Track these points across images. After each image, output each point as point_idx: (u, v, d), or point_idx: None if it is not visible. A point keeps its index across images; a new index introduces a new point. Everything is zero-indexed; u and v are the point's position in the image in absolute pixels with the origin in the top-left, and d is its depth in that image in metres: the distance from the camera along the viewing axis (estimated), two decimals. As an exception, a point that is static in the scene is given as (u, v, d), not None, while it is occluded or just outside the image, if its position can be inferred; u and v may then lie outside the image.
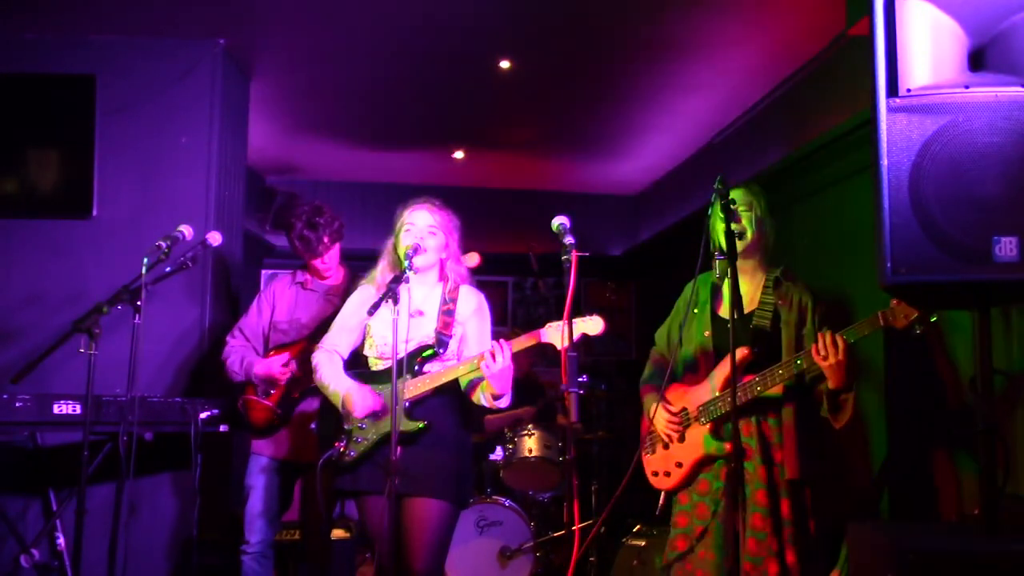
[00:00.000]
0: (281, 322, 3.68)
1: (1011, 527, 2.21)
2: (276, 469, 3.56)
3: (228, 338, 3.72)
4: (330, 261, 3.66)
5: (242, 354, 3.63)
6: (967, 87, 2.04)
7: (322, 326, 3.50)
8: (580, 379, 2.47)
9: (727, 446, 2.78)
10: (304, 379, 3.51)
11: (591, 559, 4.47)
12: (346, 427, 2.93)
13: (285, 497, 3.62)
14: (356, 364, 3.09)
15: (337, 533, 4.01)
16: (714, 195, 2.64)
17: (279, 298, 3.72)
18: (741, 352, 2.75)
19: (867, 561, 2.18)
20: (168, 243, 3.33)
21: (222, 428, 3.57)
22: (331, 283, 3.72)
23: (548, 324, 2.77)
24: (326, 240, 3.58)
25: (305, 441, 3.52)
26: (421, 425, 2.83)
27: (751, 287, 2.92)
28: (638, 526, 4.17)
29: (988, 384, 2.12)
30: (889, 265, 2.02)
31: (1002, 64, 2.04)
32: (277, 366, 3.51)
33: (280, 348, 3.62)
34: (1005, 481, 2.57)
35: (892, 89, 2.07)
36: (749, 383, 2.74)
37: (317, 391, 3.42)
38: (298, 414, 3.56)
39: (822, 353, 2.59)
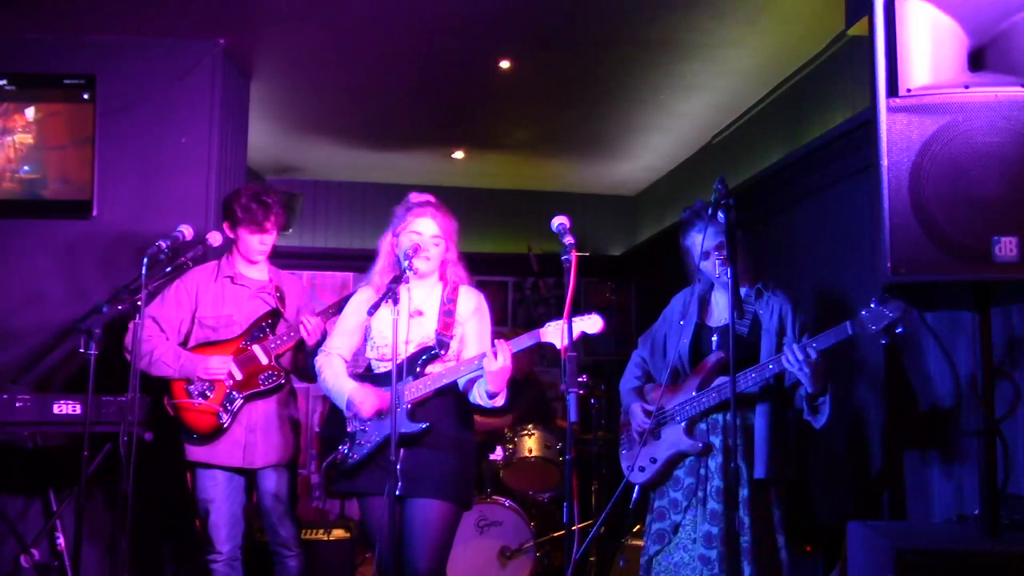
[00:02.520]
0: (207, 318, 3.44)
1: (1011, 527, 2.21)
2: (228, 478, 3.39)
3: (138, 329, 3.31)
4: (266, 244, 3.46)
5: (172, 348, 3.38)
6: (967, 87, 2.04)
7: (256, 324, 3.42)
8: (580, 379, 2.47)
9: (699, 443, 2.93)
10: (248, 382, 3.39)
11: (591, 559, 4.47)
12: (349, 430, 2.94)
13: (242, 500, 3.47)
14: (358, 366, 3.09)
15: (337, 533, 4.01)
16: (689, 212, 3.03)
17: (203, 292, 3.47)
18: (715, 357, 2.95)
19: (867, 561, 2.18)
20: (168, 243, 3.32)
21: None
22: (260, 279, 3.53)
23: (548, 323, 2.77)
24: (272, 219, 3.42)
25: (252, 446, 3.37)
26: (423, 427, 2.84)
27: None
28: (638, 526, 4.17)
29: (988, 384, 2.12)
30: (889, 265, 2.02)
31: (1002, 64, 2.04)
32: (216, 368, 3.33)
33: (207, 346, 3.42)
34: (1005, 481, 2.57)
35: (892, 89, 2.07)
36: (724, 384, 2.86)
37: (263, 394, 3.40)
38: (244, 418, 3.38)
39: (793, 362, 2.71)
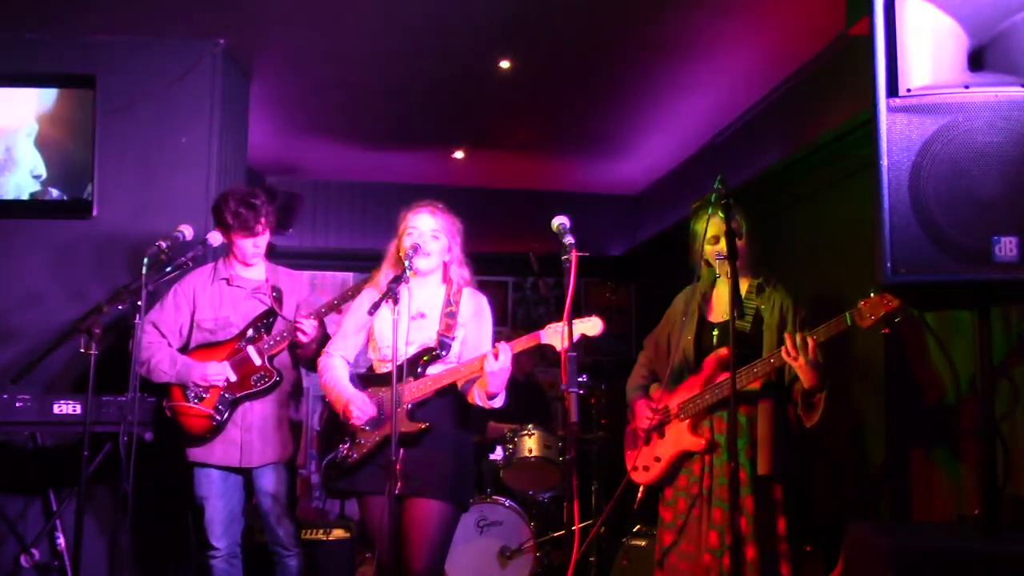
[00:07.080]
0: (205, 320, 3.45)
1: (1011, 527, 2.21)
2: (223, 476, 3.40)
3: (139, 332, 3.35)
4: (260, 246, 3.46)
5: (170, 354, 3.40)
6: (967, 87, 2.04)
7: (251, 325, 3.43)
8: (580, 379, 2.47)
9: (703, 441, 2.92)
10: (241, 383, 3.38)
11: (591, 559, 4.47)
12: (350, 429, 2.94)
13: (240, 498, 3.48)
14: (360, 366, 3.10)
15: (337, 533, 4.01)
16: (697, 202, 2.98)
17: (200, 294, 3.48)
18: (719, 352, 2.93)
19: (867, 561, 2.18)
20: (168, 243, 3.33)
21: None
22: (256, 280, 3.53)
23: (548, 325, 2.78)
24: (263, 220, 3.41)
25: (248, 445, 3.37)
26: (423, 427, 2.84)
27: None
28: (638, 526, 4.17)
29: (988, 384, 2.12)
30: (889, 265, 2.02)
31: (1002, 64, 2.04)
32: (215, 374, 3.34)
33: (206, 348, 3.43)
34: (1005, 481, 2.57)
35: (892, 89, 2.07)
36: (726, 381, 2.82)
37: (255, 395, 3.39)
38: (239, 419, 3.38)
39: (792, 353, 2.71)
